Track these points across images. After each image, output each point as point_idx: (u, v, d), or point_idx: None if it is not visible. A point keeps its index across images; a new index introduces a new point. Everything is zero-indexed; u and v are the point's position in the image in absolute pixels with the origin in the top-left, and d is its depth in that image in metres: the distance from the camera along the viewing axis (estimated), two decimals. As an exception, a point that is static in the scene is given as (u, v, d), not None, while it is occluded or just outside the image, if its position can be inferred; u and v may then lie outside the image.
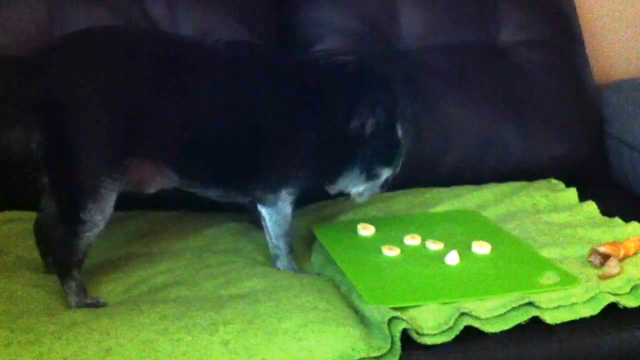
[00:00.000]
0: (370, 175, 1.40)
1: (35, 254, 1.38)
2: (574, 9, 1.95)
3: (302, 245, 1.49)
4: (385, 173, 1.41)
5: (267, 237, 1.40)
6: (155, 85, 1.25)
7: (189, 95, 1.29)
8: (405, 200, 1.67)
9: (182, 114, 1.29)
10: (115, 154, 1.24)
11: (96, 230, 1.23)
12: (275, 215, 1.38)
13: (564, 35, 1.93)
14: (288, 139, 1.35)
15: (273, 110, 1.35)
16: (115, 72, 1.23)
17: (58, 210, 1.26)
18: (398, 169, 1.44)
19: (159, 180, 1.34)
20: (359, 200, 1.44)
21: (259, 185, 1.37)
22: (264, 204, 1.38)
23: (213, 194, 1.40)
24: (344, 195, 1.46)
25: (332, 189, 1.44)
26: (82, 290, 1.25)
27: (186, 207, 1.63)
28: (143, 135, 1.26)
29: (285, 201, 1.37)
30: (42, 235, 1.36)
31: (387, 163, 1.40)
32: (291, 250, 1.40)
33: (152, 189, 1.36)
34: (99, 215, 1.22)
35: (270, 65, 1.40)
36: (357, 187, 1.41)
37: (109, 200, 1.23)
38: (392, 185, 1.49)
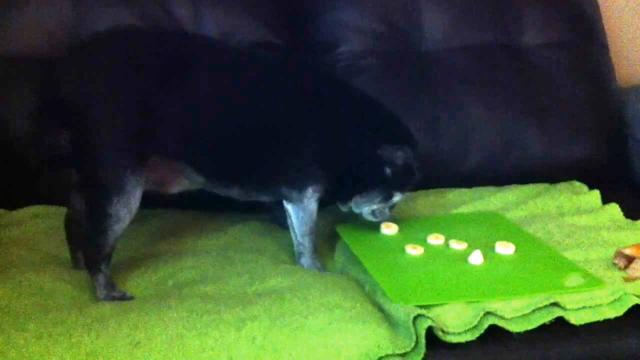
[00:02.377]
0: (386, 198, 1.43)
1: (63, 250, 1.40)
2: (597, 11, 1.95)
3: (325, 244, 1.50)
4: (397, 197, 1.45)
5: (292, 235, 1.41)
6: (176, 85, 1.27)
7: (210, 95, 1.31)
8: (428, 201, 1.67)
9: (204, 114, 1.30)
10: (138, 151, 1.26)
11: (122, 225, 1.25)
12: (301, 212, 1.39)
13: (587, 38, 1.93)
14: (314, 136, 1.36)
15: (299, 108, 1.36)
16: (136, 72, 1.26)
17: (86, 205, 1.28)
18: (406, 195, 1.48)
19: (182, 181, 1.36)
20: (369, 219, 1.47)
21: (285, 182, 1.37)
22: (290, 200, 1.39)
23: (235, 193, 1.41)
24: (352, 213, 1.48)
25: (346, 206, 1.46)
26: (110, 284, 1.27)
27: (210, 207, 1.64)
28: (165, 134, 1.28)
29: (311, 198, 1.39)
30: (72, 231, 1.38)
31: (403, 189, 1.44)
32: (315, 249, 1.41)
33: (174, 190, 1.38)
34: (125, 209, 1.24)
35: (293, 68, 1.43)
36: (371, 206, 1.45)
37: (134, 195, 1.25)
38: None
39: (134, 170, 1.24)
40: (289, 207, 1.39)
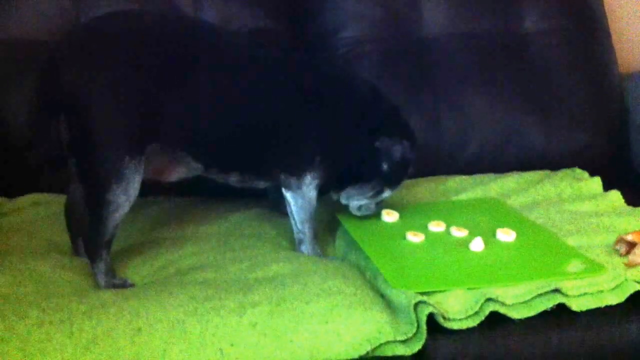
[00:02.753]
0: (377, 192, 1.43)
1: (63, 237, 1.40)
2: (599, -2, 1.95)
3: (325, 231, 1.50)
4: (387, 193, 1.45)
5: (292, 222, 1.41)
6: (173, 71, 1.26)
7: (210, 83, 1.30)
8: (428, 188, 1.67)
9: (203, 102, 1.30)
10: (136, 137, 1.25)
11: (121, 212, 1.25)
12: (299, 199, 1.38)
13: (588, 25, 1.92)
14: (313, 124, 1.36)
15: (298, 97, 1.36)
16: (133, 58, 1.25)
17: (85, 192, 1.27)
18: (397, 190, 1.48)
19: (180, 169, 1.36)
20: (355, 213, 1.47)
21: (283, 169, 1.37)
22: (289, 188, 1.39)
23: (234, 180, 1.41)
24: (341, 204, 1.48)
25: (337, 195, 1.46)
26: (111, 271, 1.27)
27: (210, 193, 1.64)
28: (164, 121, 1.27)
29: (309, 185, 1.38)
30: (72, 219, 1.37)
31: (395, 185, 1.45)
32: (315, 236, 1.41)
33: (173, 178, 1.37)
34: (124, 195, 1.24)
35: (293, 57, 1.43)
36: (360, 200, 1.45)
37: (133, 182, 1.24)
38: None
39: (132, 156, 1.24)
40: (287, 194, 1.39)
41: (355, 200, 1.45)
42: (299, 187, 1.38)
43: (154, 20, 1.34)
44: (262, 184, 1.45)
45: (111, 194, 1.23)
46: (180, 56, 1.28)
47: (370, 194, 1.43)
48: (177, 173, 1.37)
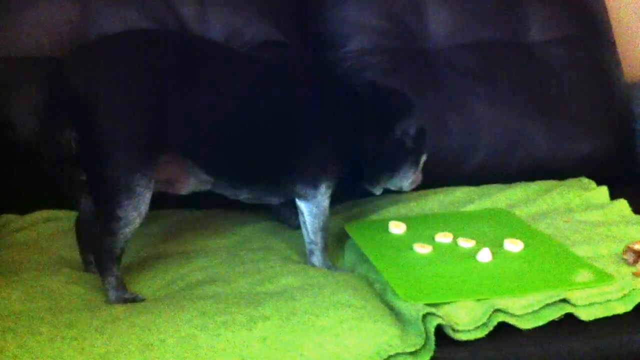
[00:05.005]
0: (417, 165, 1.51)
1: (74, 252, 1.41)
2: (603, 7, 1.95)
3: (334, 243, 1.51)
4: (423, 158, 1.52)
5: (304, 232, 1.42)
6: (185, 85, 1.27)
7: (221, 94, 1.31)
8: (436, 199, 1.68)
9: (215, 114, 1.31)
10: (147, 152, 1.25)
11: (132, 227, 1.26)
12: (314, 209, 1.39)
13: (593, 33, 1.93)
14: (328, 132, 1.38)
15: (310, 105, 1.38)
16: (147, 72, 1.26)
17: (96, 207, 1.28)
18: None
19: (191, 182, 1.36)
20: (407, 190, 1.54)
21: (300, 179, 1.38)
22: (304, 198, 1.40)
23: (245, 195, 1.41)
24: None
25: (378, 188, 1.51)
26: (122, 286, 1.27)
27: (218, 206, 1.65)
28: (174, 134, 1.28)
29: (324, 195, 1.40)
30: (82, 234, 1.38)
31: (425, 149, 1.52)
32: (327, 246, 1.42)
33: (184, 191, 1.38)
34: (134, 212, 1.24)
35: (303, 67, 1.45)
36: (408, 179, 1.52)
37: (144, 197, 1.25)
38: (420, 184, 1.55)
39: (144, 172, 1.24)
40: (302, 204, 1.40)
41: (405, 182, 1.51)
42: (315, 197, 1.39)
43: (166, 37, 1.37)
44: (273, 200, 1.45)
45: (122, 210, 1.24)
46: (192, 70, 1.29)
47: (412, 170, 1.50)
48: (188, 186, 1.37)
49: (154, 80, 1.25)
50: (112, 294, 1.26)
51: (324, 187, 1.39)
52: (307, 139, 1.37)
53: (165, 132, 1.27)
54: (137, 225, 1.26)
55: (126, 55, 1.27)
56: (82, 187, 1.33)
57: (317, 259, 1.41)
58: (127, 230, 1.25)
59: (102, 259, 1.27)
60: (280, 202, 1.46)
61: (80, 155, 1.26)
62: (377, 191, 1.52)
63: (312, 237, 1.41)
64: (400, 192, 1.57)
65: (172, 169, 1.32)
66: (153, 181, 1.26)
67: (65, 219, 1.51)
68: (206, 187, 1.39)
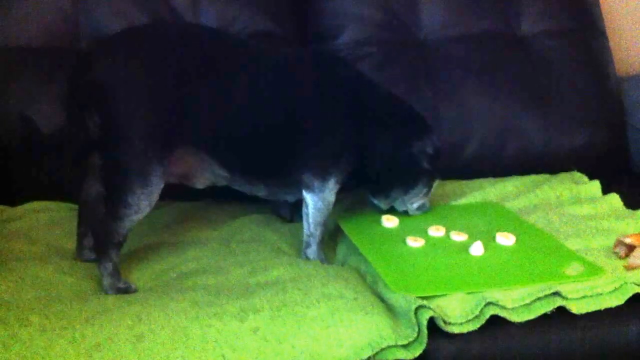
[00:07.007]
0: (429, 188, 1.51)
1: (64, 243, 1.41)
2: (596, 0, 1.95)
3: (326, 237, 1.50)
4: (436, 183, 1.52)
5: (305, 224, 1.42)
6: (202, 78, 1.29)
7: (235, 90, 1.32)
8: (428, 192, 1.68)
9: (232, 107, 1.32)
10: (164, 143, 1.27)
11: (140, 215, 1.27)
12: (320, 202, 1.40)
13: (586, 26, 1.93)
14: (340, 127, 1.39)
15: (326, 100, 1.39)
16: (169, 63, 1.27)
17: (106, 191, 1.28)
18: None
19: (207, 175, 1.38)
20: (415, 213, 1.53)
21: (310, 171, 1.38)
22: (311, 190, 1.40)
23: (262, 192, 1.43)
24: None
25: (384, 204, 1.51)
26: (117, 274, 1.27)
27: (210, 198, 1.64)
28: (190, 127, 1.29)
29: (332, 190, 1.40)
30: (83, 215, 1.37)
31: (439, 173, 1.52)
32: (322, 241, 1.42)
33: (200, 185, 1.40)
34: (146, 200, 1.26)
35: (318, 62, 1.45)
36: (417, 202, 1.52)
37: (157, 187, 1.27)
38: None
39: (160, 161, 1.26)
40: (308, 196, 1.40)
41: (415, 203, 1.51)
42: (322, 190, 1.39)
43: (188, 30, 1.38)
44: (289, 197, 1.46)
45: (134, 198, 1.25)
46: (209, 61, 1.30)
47: (424, 191, 1.50)
48: (203, 179, 1.39)
49: (174, 73, 1.27)
50: (106, 281, 1.26)
51: (332, 181, 1.39)
52: (322, 133, 1.37)
53: (182, 124, 1.28)
54: (145, 214, 1.27)
55: (148, 47, 1.29)
56: (90, 170, 1.33)
57: (312, 251, 1.41)
58: (135, 217, 1.26)
59: (103, 243, 1.27)
60: (295, 199, 1.47)
61: (100, 141, 1.26)
62: (384, 205, 1.51)
63: (312, 229, 1.41)
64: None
65: (188, 162, 1.34)
66: (167, 172, 1.27)
67: (56, 210, 1.51)
68: (223, 182, 1.40)
